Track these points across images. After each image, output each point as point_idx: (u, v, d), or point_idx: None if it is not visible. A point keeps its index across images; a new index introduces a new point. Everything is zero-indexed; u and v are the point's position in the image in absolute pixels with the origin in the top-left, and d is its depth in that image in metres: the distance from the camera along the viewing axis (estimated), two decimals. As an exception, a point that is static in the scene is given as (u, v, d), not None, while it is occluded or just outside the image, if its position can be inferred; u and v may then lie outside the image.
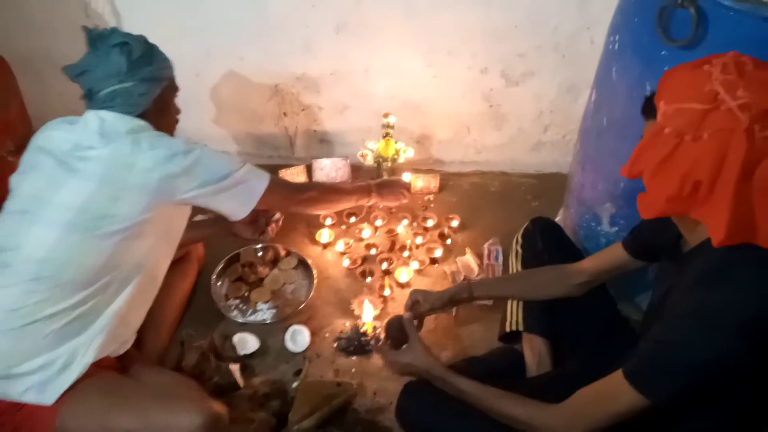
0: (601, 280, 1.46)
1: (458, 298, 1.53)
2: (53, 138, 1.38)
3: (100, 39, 1.38)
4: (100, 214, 1.30)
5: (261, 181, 1.50)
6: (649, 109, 1.00)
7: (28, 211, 1.32)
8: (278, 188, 1.62)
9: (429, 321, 1.78)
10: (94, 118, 1.37)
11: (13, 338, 1.26)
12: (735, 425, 1.07)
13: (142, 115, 1.40)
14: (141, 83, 1.38)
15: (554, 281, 1.48)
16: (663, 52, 1.33)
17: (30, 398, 1.26)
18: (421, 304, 1.51)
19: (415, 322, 1.46)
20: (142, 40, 1.42)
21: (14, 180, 1.39)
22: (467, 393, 1.22)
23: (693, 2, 1.21)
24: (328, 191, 1.89)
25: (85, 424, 1.27)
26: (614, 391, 1.03)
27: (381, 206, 2.08)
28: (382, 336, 1.75)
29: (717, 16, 1.20)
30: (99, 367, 1.35)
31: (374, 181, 1.94)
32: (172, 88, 1.50)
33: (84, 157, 1.32)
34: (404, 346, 1.36)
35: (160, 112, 1.45)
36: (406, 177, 2.21)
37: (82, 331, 1.31)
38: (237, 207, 1.48)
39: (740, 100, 0.88)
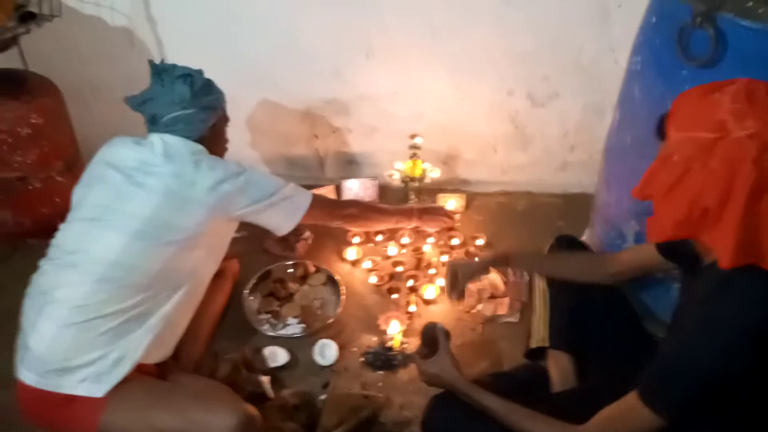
0: (633, 274, 1.48)
1: (494, 264, 1.65)
2: (121, 155, 1.51)
3: (165, 71, 1.53)
4: (164, 224, 1.42)
5: (305, 197, 1.66)
6: (663, 130, 1.03)
7: (99, 219, 1.43)
8: (321, 204, 1.77)
9: (455, 338, 1.81)
10: (158, 140, 1.50)
11: (76, 332, 1.36)
12: (744, 427, 1.08)
13: (199, 140, 1.54)
14: (201, 111, 1.53)
15: (589, 265, 1.52)
16: (684, 72, 1.36)
17: (83, 389, 1.35)
18: (459, 279, 1.60)
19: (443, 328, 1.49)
20: (202, 74, 1.57)
21: (79, 191, 1.52)
22: (492, 409, 1.24)
23: (712, 23, 1.25)
24: (369, 210, 2.03)
25: (127, 419, 1.36)
26: (631, 412, 1.05)
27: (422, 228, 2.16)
28: (408, 350, 1.79)
29: (735, 35, 1.23)
30: (140, 372, 1.43)
31: (418, 205, 2.11)
32: (224, 118, 1.68)
33: (150, 172, 1.45)
34: (434, 357, 1.39)
35: (214, 138, 1.62)
36: (450, 205, 2.28)
37: (136, 329, 1.41)
38: (283, 221, 1.63)
39: (749, 129, 0.89)
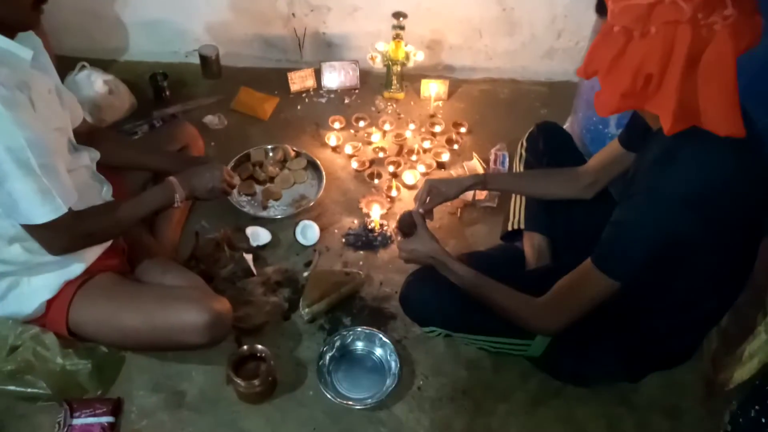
0: (605, 179, 1.48)
1: (472, 188, 1.57)
2: None
3: None
4: None
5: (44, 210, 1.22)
6: (602, 7, 1.01)
7: None
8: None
9: (433, 223, 1.84)
10: None
11: None
12: (706, 296, 1.16)
13: None
14: None
15: (566, 182, 1.52)
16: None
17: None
18: (435, 195, 1.53)
19: (422, 211, 1.50)
20: None
21: None
22: (465, 279, 1.30)
23: None
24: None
25: (95, 324, 1.39)
26: (585, 278, 1.12)
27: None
28: (389, 232, 1.82)
29: None
30: (104, 265, 1.43)
31: (183, 171, 1.49)
32: None
33: None
34: (413, 235, 1.41)
35: None
36: (433, 89, 2.19)
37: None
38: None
39: None
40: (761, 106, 1.29)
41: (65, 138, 1.36)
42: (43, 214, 1.20)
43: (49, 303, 1.40)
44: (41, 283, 1.38)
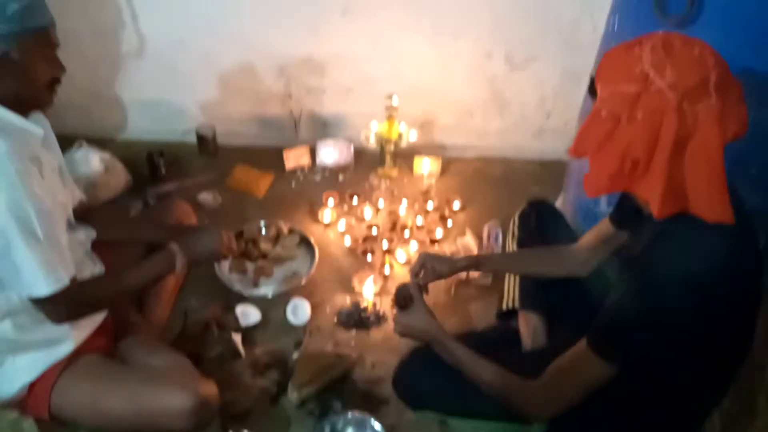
0: (598, 258, 1.47)
1: (465, 269, 1.57)
2: None
3: None
4: None
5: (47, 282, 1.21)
6: (594, 88, 1.04)
7: None
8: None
9: (428, 299, 1.81)
10: None
11: None
12: (706, 381, 1.12)
13: None
14: None
15: (559, 261, 1.51)
16: (661, 30, 1.35)
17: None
18: (428, 271, 1.50)
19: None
20: None
21: None
22: (460, 358, 1.26)
23: (689, -21, 1.24)
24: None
25: (77, 408, 1.33)
26: (580, 361, 1.08)
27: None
28: (382, 311, 1.79)
29: (712, -8, 1.23)
30: (91, 346, 1.39)
31: (183, 238, 1.50)
32: (34, 40, 1.20)
33: None
34: (410, 308, 1.38)
35: (6, 74, 1.20)
36: (426, 166, 2.23)
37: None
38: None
39: (668, 79, 0.91)
40: (748, 185, 1.32)
41: (65, 215, 1.37)
42: (46, 285, 1.20)
43: (32, 384, 1.34)
44: (26, 363, 1.33)
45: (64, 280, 1.23)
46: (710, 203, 0.95)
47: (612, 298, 1.07)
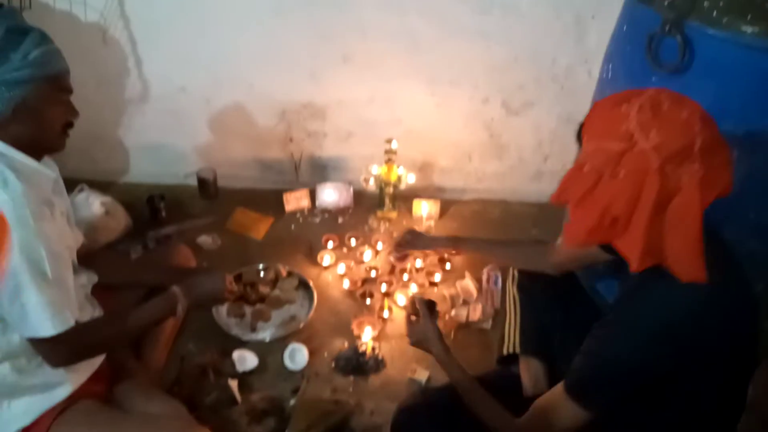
0: (574, 266, 1.51)
1: (443, 247, 1.84)
2: None
3: None
4: None
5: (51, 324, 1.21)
6: (580, 136, 1.06)
7: None
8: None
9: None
10: None
11: None
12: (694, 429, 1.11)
13: None
14: None
15: (535, 255, 1.56)
16: (653, 78, 1.38)
17: None
18: (411, 243, 1.80)
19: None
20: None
21: None
22: (459, 381, 1.29)
23: (680, 30, 1.27)
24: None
25: None
26: (558, 404, 1.09)
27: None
28: (381, 356, 1.77)
29: (702, 43, 1.26)
30: (88, 391, 1.36)
31: (185, 281, 1.48)
32: (49, 86, 1.24)
33: None
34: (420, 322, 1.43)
35: (28, 118, 1.23)
36: (424, 209, 2.26)
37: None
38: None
39: (653, 141, 0.92)
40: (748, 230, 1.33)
41: (71, 258, 1.39)
42: (52, 326, 1.20)
43: (26, 430, 1.30)
44: (21, 409, 1.30)
45: (70, 322, 1.23)
46: (685, 264, 0.96)
47: (588, 343, 1.08)
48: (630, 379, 1.02)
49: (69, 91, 1.31)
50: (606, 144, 0.96)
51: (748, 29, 1.19)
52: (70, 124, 1.31)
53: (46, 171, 1.31)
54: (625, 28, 1.50)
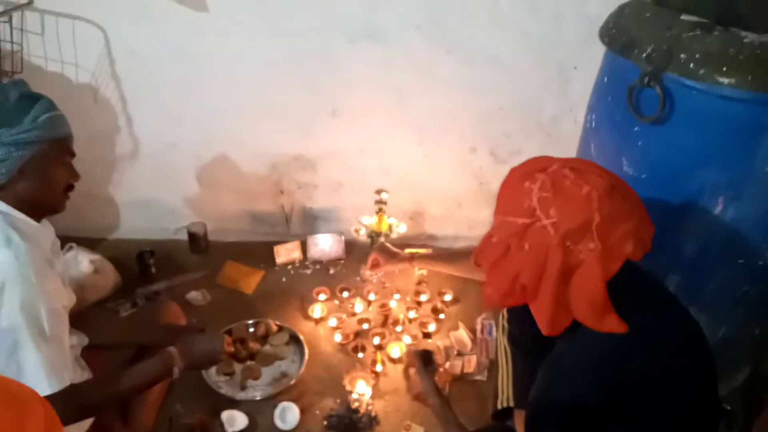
0: None
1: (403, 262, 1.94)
2: None
3: None
4: None
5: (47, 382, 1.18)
6: None
7: None
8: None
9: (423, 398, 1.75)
10: None
11: None
12: None
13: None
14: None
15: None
16: (636, 128, 1.40)
17: None
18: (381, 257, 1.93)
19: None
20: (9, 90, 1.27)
21: None
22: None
23: (658, 82, 1.30)
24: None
25: None
26: None
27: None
28: (374, 412, 1.73)
29: (681, 94, 1.28)
30: None
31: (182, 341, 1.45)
32: (53, 148, 1.28)
33: None
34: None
35: (34, 179, 1.27)
36: None
37: None
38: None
39: (552, 218, 0.96)
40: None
41: (66, 317, 1.37)
42: (49, 385, 1.18)
43: None
44: None
45: (66, 382, 1.21)
46: (596, 323, 0.99)
47: (537, 381, 1.13)
48: (565, 414, 1.05)
49: (72, 154, 1.36)
50: (511, 218, 1.00)
51: (725, 80, 1.21)
52: (71, 187, 1.36)
53: (47, 231, 1.35)
54: (605, 79, 1.52)
